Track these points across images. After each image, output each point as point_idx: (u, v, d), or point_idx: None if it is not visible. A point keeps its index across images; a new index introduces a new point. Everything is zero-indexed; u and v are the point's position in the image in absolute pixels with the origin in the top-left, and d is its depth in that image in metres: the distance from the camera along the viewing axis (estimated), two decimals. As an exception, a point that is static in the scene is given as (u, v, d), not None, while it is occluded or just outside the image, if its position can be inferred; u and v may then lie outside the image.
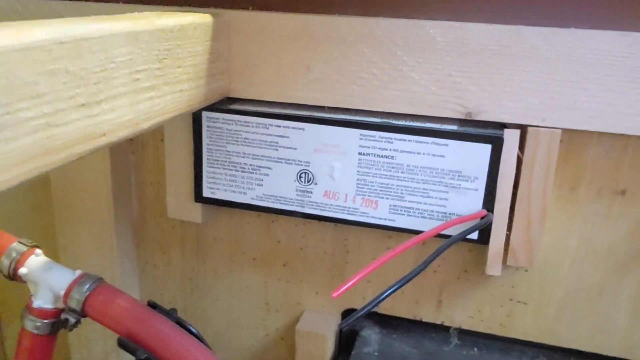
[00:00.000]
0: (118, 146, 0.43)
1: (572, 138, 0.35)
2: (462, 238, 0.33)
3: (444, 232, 0.33)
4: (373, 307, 0.29)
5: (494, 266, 0.36)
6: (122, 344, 0.33)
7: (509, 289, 0.39)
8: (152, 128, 0.28)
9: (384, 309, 0.43)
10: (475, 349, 0.40)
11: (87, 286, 0.34)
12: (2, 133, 0.19)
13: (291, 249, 0.43)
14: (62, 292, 0.34)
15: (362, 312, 0.28)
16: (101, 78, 0.23)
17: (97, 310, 0.34)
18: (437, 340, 0.41)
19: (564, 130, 0.33)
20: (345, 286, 0.28)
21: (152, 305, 0.35)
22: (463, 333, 0.41)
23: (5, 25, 0.21)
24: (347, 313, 0.44)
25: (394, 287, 0.29)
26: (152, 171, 0.44)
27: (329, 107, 0.36)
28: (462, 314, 0.41)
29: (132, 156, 0.45)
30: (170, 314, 0.35)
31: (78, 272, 0.35)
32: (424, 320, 0.42)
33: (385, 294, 0.29)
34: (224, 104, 0.37)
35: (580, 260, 0.38)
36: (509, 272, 0.39)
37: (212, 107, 0.37)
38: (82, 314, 0.34)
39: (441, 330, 0.42)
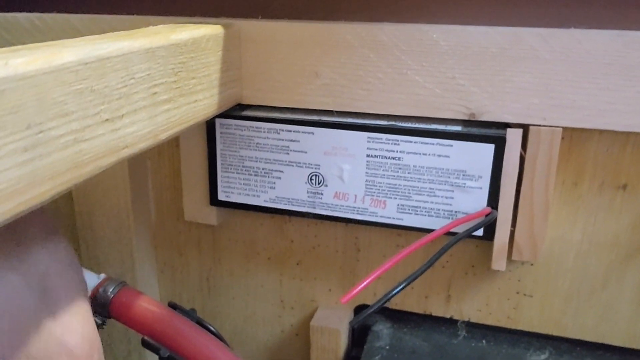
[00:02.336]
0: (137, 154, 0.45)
1: (574, 135, 0.37)
2: (468, 235, 0.34)
3: (450, 230, 0.35)
4: (383, 304, 0.30)
5: (499, 261, 0.37)
6: (146, 344, 0.35)
7: (516, 282, 0.41)
8: (169, 138, 0.29)
9: (394, 304, 0.44)
10: (484, 341, 0.42)
11: (111, 289, 0.36)
12: (36, 150, 0.20)
13: (304, 248, 0.45)
14: (88, 295, 0.36)
15: (371, 310, 0.30)
16: (122, 94, 0.25)
17: (121, 312, 0.36)
18: (446, 334, 0.42)
19: (566, 128, 0.34)
20: (353, 292, 0.30)
21: (173, 306, 0.37)
22: (471, 326, 0.43)
23: (33, 48, 0.22)
24: (359, 309, 0.45)
25: (403, 284, 0.30)
26: (169, 176, 0.46)
27: (337, 112, 0.37)
28: (470, 307, 0.42)
29: (149, 162, 0.46)
30: (190, 314, 0.37)
31: (102, 276, 0.37)
32: (433, 314, 0.43)
33: (395, 291, 0.30)
34: (236, 111, 0.39)
35: (584, 252, 0.39)
36: (515, 266, 0.40)
37: (225, 114, 0.38)
38: (107, 315, 0.36)
39: (450, 323, 0.43)
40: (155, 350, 0.35)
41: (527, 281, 0.41)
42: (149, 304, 0.36)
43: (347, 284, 0.45)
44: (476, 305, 0.42)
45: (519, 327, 0.42)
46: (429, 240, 0.33)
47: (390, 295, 0.30)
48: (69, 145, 0.22)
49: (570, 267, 0.40)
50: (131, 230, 0.46)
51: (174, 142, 0.44)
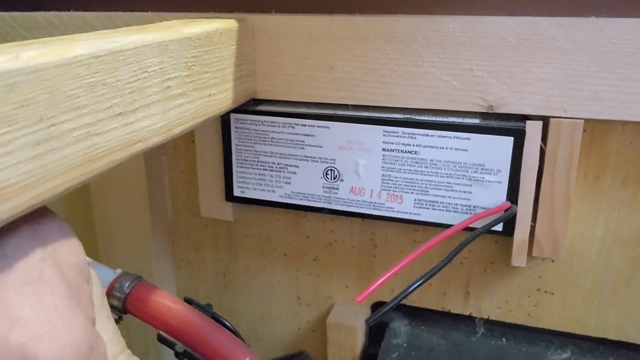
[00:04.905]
0: (152, 149, 0.45)
1: (596, 128, 0.36)
2: (487, 231, 0.34)
3: (469, 225, 0.34)
4: (399, 301, 0.29)
5: (519, 257, 0.36)
6: (161, 339, 0.35)
7: (536, 279, 0.40)
8: (183, 133, 0.29)
9: (412, 301, 0.44)
10: (503, 339, 0.41)
11: (127, 284, 0.36)
12: (48, 144, 0.20)
13: (320, 244, 0.44)
14: (100, 290, 0.36)
15: (388, 307, 0.29)
16: (135, 88, 0.25)
17: (137, 307, 0.36)
18: (465, 331, 0.42)
19: (587, 119, 0.33)
20: (369, 290, 0.29)
21: (189, 301, 0.37)
22: (491, 324, 0.42)
23: (45, 42, 0.22)
24: (376, 306, 0.45)
25: (420, 281, 0.30)
26: (185, 172, 0.46)
27: (352, 105, 0.37)
28: (489, 305, 0.42)
29: (165, 158, 0.46)
30: (206, 309, 0.36)
31: (119, 271, 0.37)
32: (452, 311, 0.43)
33: (412, 288, 0.30)
34: (251, 106, 0.38)
35: (606, 249, 0.38)
36: (535, 263, 0.39)
37: (239, 109, 0.38)
38: (123, 310, 0.36)
39: (469, 321, 0.42)
40: (170, 345, 0.35)
41: (548, 278, 0.40)
42: (164, 299, 0.36)
43: (364, 280, 0.44)
44: (495, 303, 0.41)
45: (540, 325, 0.41)
46: (447, 236, 0.32)
47: (407, 292, 0.29)
48: (81, 139, 0.22)
49: (593, 263, 0.39)
50: (148, 226, 0.46)
51: (189, 138, 0.44)
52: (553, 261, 0.39)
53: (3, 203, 0.18)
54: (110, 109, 0.24)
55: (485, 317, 0.42)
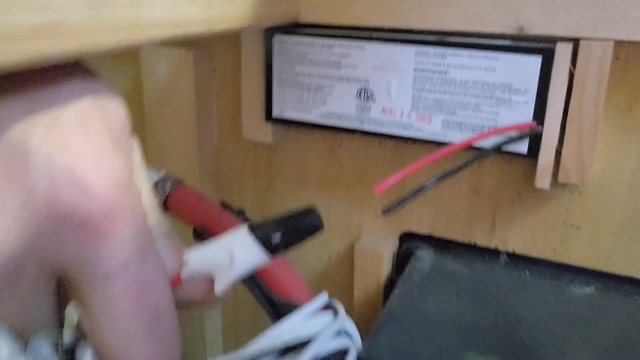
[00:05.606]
0: (201, 77, 0.48)
1: (629, 55, 0.36)
2: (510, 142, 0.35)
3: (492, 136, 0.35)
4: (413, 197, 0.31)
5: (543, 179, 0.37)
6: (197, 234, 0.38)
7: (563, 212, 0.40)
8: (224, 33, 0.32)
9: (439, 232, 0.45)
10: (527, 271, 0.41)
11: (169, 184, 0.39)
12: (103, 2, 0.23)
13: (353, 173, 0.46)
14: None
15: (402, 202, 0.31)
16: (181, -29, 0.28)
17: (176, 206, 0.39)
18: (489, 262, 0.43)
19: (621, 46, 0.34)
20: (386, 183, 0.31)
21: (224, 205, 0.40)
22: (515, 257, 0.42)
23: None
24: (404, 236, 0.46)
25: (440, 178, 0.31)
26: (232, 99, 0.49)
27: (387, 29, 0.38)
28: (515, 238, 0.42)
29: (214, 85, 0.49)
30: (241, 214, 0.39)
31: (162, 172, 0.40)
32: (477, 243, 0.44)
33: (430, 183, 0.31)
34: (293, 28, 0.41)
35: (638, 183, 0.38)
36: (563, 195, 0.40)
37: (282, 31, 0.40)
38: (164, 208, 0.39)
39: (494, 253, 0.43)
40: (204, 239, 0.38)
41: (575, 211, 0.40)
42: (201, 201, 0.39)
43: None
44: (521, 236, 0.42)
45: (565, 261, 0.41)
46: (471, 142, 0.33)
47: (423, 188, 0.31)
48: (132, 5, 0.25)
49: (623, 198, 0.39)
50: (194, 151, 0.49)
51: (237, 64, 0.47)
52: (581, 193, 0.39)
53: (59, 38, 0.21)
54: (158, -16, 0.26)
55: (511, 250, 0.43)
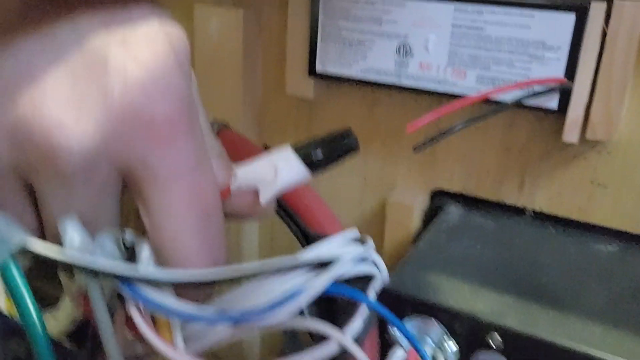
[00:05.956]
0: (249, 35, 0.51)
1: (663, 17, 0.37)
2: (540, 93, 0.36)
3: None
4: (444, 136, 0.33)
5: (571, 133, 0.38)
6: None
7: (591, 171, 0.42)
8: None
9: (468, 190, 0.47)
10: (552, 229, 0.43)
11: (216, 125, 0.42)
12: None
13: (390, 129, 0.48)
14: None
15: (430, 142, 0.33)
16: None
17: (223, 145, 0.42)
18: (515, 219, 0.44)
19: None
20: (418, 123, 0.33)
21: (266, 148, 0.42)
22: (542, 215, 0.44)
23: None
24: (435, 193, 0.48)
25: (465, 122, 0.33)
26: (277, 56, 0.52)
27: (429, -13, 0.40)
28: (543, 196, 0.44)
29: (260, 43, 0.52)
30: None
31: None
32: (506, 202, 0.45)
33: (457, 127, 0.33)
34: (339, -14, 0.43)
35: (666, 145, 0.39)
36: (591, 154, 0.41)
37: (328, -12, 0.43)
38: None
39: (521, 212, 0.45)
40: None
41: (603, 171, 0.41)
42: (246, 143, 0.42)
43: (426, 165, 0.48)
44: (548, 195, 0.44)
45: (590, 220, 0.43)
46: (502, 89, 0.35)
47: (452, 129, 0.33)
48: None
49: (650, 159, 0.40)
50: (239, 105, 0.52)
51: (283, 24, 0.50)
52: (609, 153, 0.41)
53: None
54: None
55: (538, 208, 0.44)
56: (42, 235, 0.27)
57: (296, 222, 0.37)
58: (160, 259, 0.26)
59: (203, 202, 0.26)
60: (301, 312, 0.29)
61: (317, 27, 0.45)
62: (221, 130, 0.42)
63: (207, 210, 0.26)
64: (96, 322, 0.23)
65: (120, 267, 0.24)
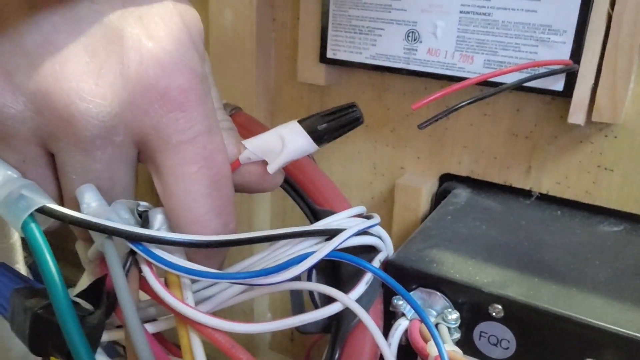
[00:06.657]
0: (262, 24, 0.53)
1: (669, 1, 0.37)
2: (546, 75, 0.37)
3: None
4: (444, 116, 0.34)
5: (577, 114, 0.39)
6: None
7: (597, 155, 0.42)
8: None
9: (476, 174, 0.47)
10: (559, 211, 0.44)
11: (229, 108, 0.44)
12: None
13: (399, 115, 0.49)
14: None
15: (435, 118, 0.34)
16: None
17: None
18: (522, 202, 0.45)
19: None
20: (423, 101, 0.34)
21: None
22: (549, 198, 0.45)
23: None
24: (444, 177, 0.49)
25: (468, 102, 0.34)
26: (289, 46, 0.53)
27: (437, -26, 0.41)
28: (550, 180, 0.44)
29: (273, 34, 0.53)
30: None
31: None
32: (513, 185, 0.46)
33: (461, 105, 0.34)
34: (349, -25, 0.44)
35: (671, 128, 0.39)
36: (598, 138, 0.42)
37: (339, -24, 0.44)
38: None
39: (528, 195, 0.45)
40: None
41: (609, 154, 0.42)
42: (258, 125, 0.43)
43: (435, 152, 0.48)
44: (555, 178, 0.44)
45: (597, 203, 0.43)
46: (504, 72, 0.36)
47: (455, 107, 0.34)
48: None
49: (656, 143, 0.40)
50: (253, 95, 0.54)
51: (295, 14, 0.51)
52: (616, 137, 0.41)
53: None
54: None
55: (545, 191, 0.45)
56: (61, 203, 0.28)
57: (305, 199, 0.38)
58: (173, 225, 0.28)
59: (213, 167, 0.27)
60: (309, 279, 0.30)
61: (328, 15, 0.46)
62: (234, 112, 0.44)
63: (217, 176, 0.28)
64: (112, 281, 0.25)
65: (133, 228, 0.25)
